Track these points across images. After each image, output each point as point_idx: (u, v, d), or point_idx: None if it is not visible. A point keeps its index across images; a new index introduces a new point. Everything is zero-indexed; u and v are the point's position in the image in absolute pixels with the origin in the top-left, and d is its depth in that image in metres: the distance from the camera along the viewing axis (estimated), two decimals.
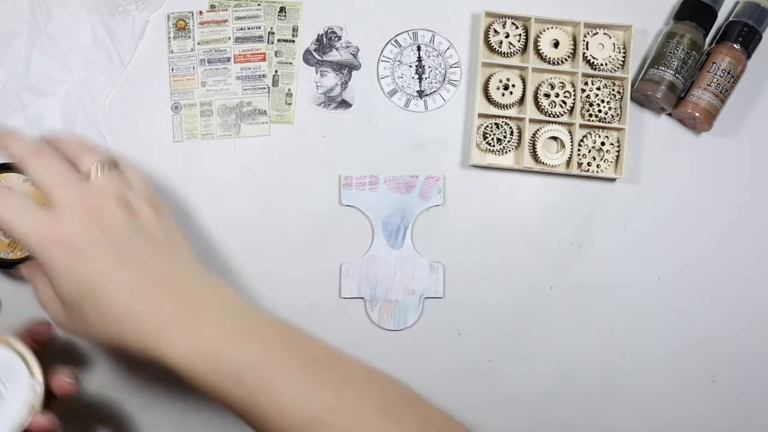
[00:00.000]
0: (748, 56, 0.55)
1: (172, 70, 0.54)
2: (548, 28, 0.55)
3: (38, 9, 0.53)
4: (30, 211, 0.37)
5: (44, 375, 0.41)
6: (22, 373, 0.40)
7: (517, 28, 0.54)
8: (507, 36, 0.54)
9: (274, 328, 0.39)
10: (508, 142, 0.54)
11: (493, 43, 0.54)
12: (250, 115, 0.54)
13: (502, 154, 0.54)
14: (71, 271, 0.36)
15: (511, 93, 0.54)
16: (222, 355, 0.36)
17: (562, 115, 0.54)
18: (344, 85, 0.55)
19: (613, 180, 0.55)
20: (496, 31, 0.55)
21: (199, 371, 0.36)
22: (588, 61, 0.55)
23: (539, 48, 0.54)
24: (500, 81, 0.54)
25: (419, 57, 0.56)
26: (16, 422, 0.39)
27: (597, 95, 0.54)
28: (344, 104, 0.55)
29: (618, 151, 0.54)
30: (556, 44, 0.55)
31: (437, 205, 0.54)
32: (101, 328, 0.37)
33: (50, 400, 0.41)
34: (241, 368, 0.36)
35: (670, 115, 0.56)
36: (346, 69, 0.55)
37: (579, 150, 0.54)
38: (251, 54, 0.55)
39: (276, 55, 0.55)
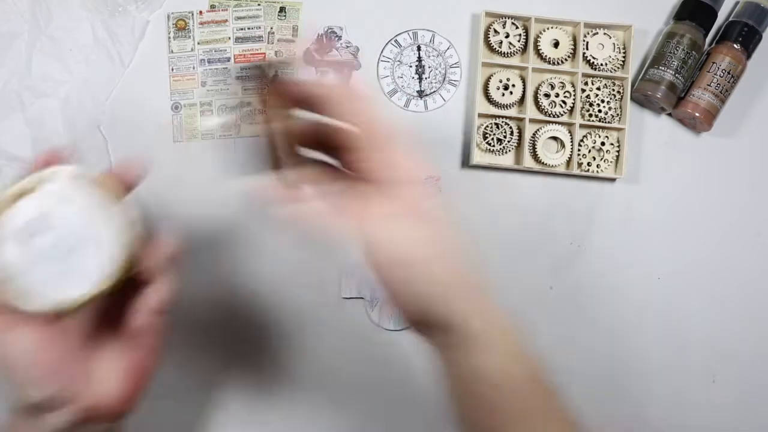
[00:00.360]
0: (748, 56, 0.55)
1: (172, 70, 0.54)
2: (548, 28, 0.55)
3: (39, 9, 0.53)
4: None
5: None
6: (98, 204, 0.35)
7: (517, 28, 0.54)
8: (507, 36, 0.55)
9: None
10: (508, 142, 0.54)
11: (493, 43, 0.54)
12: (250, 115, 0.54)
13: (502, 154, 0.54)
14: (412, 236, 0.35)
15: (511, 93, 0.54)
16: (512, 343, 0.38)
17: (562, 115, 0.54)
18: None
19: (613, 180, 0.55)
20: (496, 31, 0.55)
21: (487, 347, 0.37)
22: (588, 61, 0.55)
23: (539, 48, 0.54)
24: (500, 81, 0.54)
25: (419, 57, 0.56)
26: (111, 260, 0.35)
27: (597, 95, 0.54)
28: None
29: (618, 151, 0.54)
30: (556, 44, 0.55)
31: None
32: (409, 296, 0.36)
33: None
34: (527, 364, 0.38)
35: (670, 115, 0.56)
36: (346, 69, 0.55)
37: (579, 150, 0.54)
38: (251, 54, 0.55)
39: (276, 55, 0.55)
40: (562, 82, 0.54)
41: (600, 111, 0.54)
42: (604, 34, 0.55)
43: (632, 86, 0.55)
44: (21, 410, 0.36)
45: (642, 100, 0.55)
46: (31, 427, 0.36)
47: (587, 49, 0.55)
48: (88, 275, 0.35)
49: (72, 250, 0.35)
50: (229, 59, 0.54)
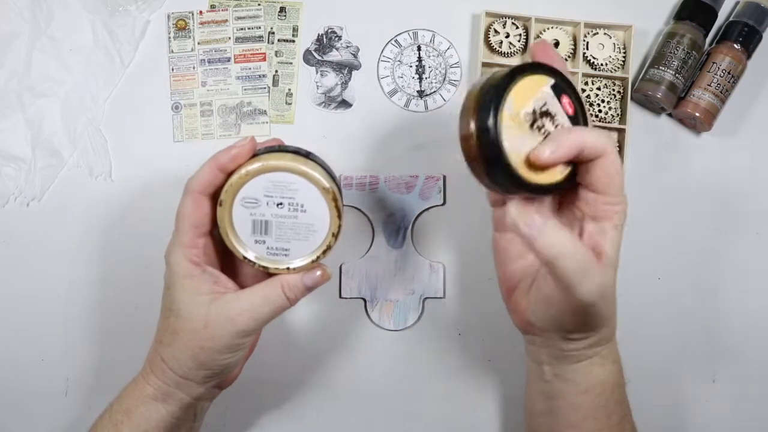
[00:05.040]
0: (749, 56, 0.55)
1: (173, 70, 0.54)
2: (548, 28, 0.55)
3: (39, 9, 0.53)
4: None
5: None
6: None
7: (517, 28, 0.54)
8: (507, 36, 0.55)
9: None
10: None
11: (494, 43, 0.54)
12: (251, 114, 0.54)
13: None
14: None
15: None
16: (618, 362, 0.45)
17: None
18: (344, 85, 0.55)
19: None
20: (496, 31, 0.55)
21: (613, 362, 0.44)
22: (588, 61, 0.55)
23: None
24: None
25: (419, 57, 0.56)
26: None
27: (597, 95, 0.54)
28: (344, 104, 0.55)
29: (618, 151, 0.54)
30: (557, 44, 0.55)
31: (437, 205, 0.54)
32: (570, 316, 0.39)
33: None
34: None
35: (670, 115, 0.56)
36: (346, 69, 0.55)
37: None
38: (251, 54, 0.55)
39: (276, 55, 0.55)
40: None
41: (600, 111, 0.54)
42: (605, 34, 0.55)
43: (632, 86, 0.55)
44: (190, 375, 0.40)
45: (642, 100, 0.55)
46: (181, 391, 0.41)
47: (587, 49, 0.55)
48: (302, 252, 0.39)
49: (298, 226, 0.39)
50: (229, 59, 0.54)
